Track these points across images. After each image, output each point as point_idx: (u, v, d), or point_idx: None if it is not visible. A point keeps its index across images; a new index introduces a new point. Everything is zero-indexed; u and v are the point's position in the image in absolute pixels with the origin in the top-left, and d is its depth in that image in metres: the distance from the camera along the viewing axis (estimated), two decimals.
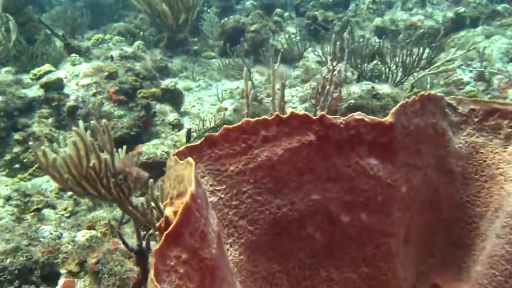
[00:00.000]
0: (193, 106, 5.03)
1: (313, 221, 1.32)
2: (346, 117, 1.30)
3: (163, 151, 3.91)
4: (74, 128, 1.58)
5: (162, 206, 1.72)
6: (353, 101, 3.44)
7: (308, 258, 1.33)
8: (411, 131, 1.30)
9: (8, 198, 2.54)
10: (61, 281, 2.31)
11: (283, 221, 1.29)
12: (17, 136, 3.98)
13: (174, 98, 4.72)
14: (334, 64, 2.55)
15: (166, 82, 4.66)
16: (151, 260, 0.80)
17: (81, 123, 1.55)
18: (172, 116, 4.49)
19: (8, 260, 2.15)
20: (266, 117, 1.27)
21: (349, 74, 4.15)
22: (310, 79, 4.74)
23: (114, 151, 1.49)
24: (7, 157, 3.94)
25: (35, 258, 2.25)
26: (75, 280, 2.31)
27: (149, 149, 3.90)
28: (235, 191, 1.25)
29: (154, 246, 2.61)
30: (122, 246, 2.44)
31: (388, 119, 1.25)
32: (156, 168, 3.81)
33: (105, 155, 1.53)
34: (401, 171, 1.30)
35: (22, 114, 4.06)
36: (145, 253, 2.28)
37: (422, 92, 1.30)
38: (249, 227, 1.26)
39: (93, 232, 2.54)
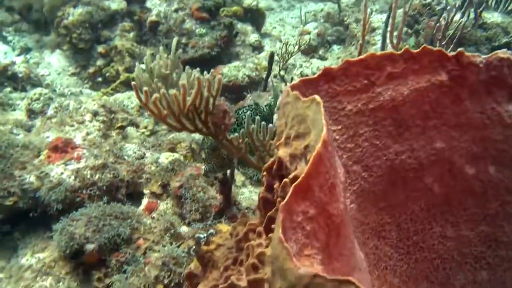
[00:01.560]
0: (274, 27, 4.80)
1: (432, 171, 1.17)
2: (488, 56, 1.10)
3: (244, 74, 3.79)
4: (187, 70, 1.52)
5: (257, 141, 1.62)
6: (452, 32, 3.10)
7: (422, 211, 1.20)
8: None
9: (95, 114, 2.55)
10: (145, 201, 2.33)
11: (400, 169, 1.15)
12: (100, 49, 3.98)
13: (255, 18, 4.51)
14: None
15: (249, 1, 4.43)
16: (279, 215, 0.69)
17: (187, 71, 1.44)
18: (253, 37, 4.31)
19: (97, 176, 2.17)
20: (393, 51, 1.09)
21: None
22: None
23: (219, 92, 1.40)
24: (91, 69, 3.98)
25: (121, 176, 2.26)
26: (158, 201, 2.33)
27: (230, 71, 3.78)
28: (352, 133, 1.10)
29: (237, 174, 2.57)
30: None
31: None
32: (236, 91, 3.72)
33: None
34: None
35: (105, 27, 4.03)
36: (229, 182, 2.23)
37: None
38: (363, 174, 1.12)
39: (176, 155, 2.52)
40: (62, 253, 1.98)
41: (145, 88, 1.35)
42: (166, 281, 1.86)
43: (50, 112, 2.66)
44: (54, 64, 4.12)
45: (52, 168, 2.16)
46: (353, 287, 0.55)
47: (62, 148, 2.25)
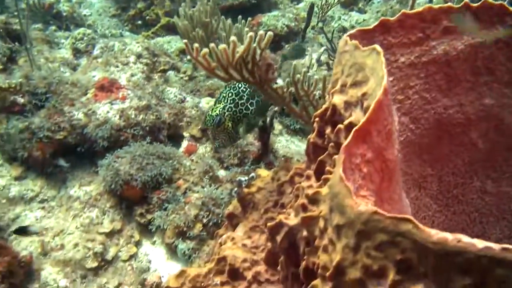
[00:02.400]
0: None
1: (479, 127, 1.18)
2: None
3: (283, 24, 3.77)
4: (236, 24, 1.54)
5: (301, 90, 1.65)
6: None
7: (464, 165, 1.23)
8: None
9: (139, 56, 2.60)
10: (184, 143, 2.41)
11: (447, 123, 1.17)
12: None
13: None
14: None
15: None
16: (339, 156, 0.73)
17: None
18: None
19: (140, 116, 2.25)
20: (451, 4, 1.09)
21: None
22: None
23: (267, 46, 1.43)
24: (131, 12, 4.01)
25: (163, 118, 2.33)
26: (197, 145, 2.40)
27: (269, 20, 3.76)
28: (402, 85, 1.13)
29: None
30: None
31: None
32: (274, 40, 3.71)
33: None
34: None
35: None
36: (268, 130, 2.28)
37: None
38: (410, 125, 1.15)
39: None
40: (108, 188, 2.10)
41: (196, 45, 1.38)
42: (205, 221, 1.96)
43: (96, 52, 2.72)
44: (95, 4, 4.17)
45: (98, 106, 2.24)
46: (410, 225, 0.60)
47: (108, 87, 2.32)
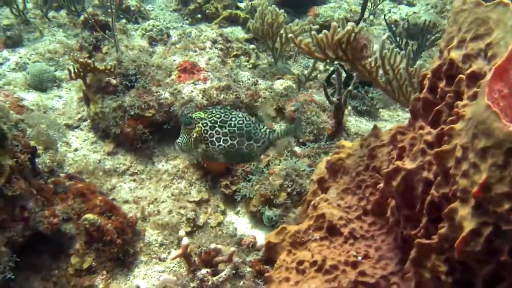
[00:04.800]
0: None
1: None
2: None
3: (340, 15, 3.88)
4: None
5: (388, 65, 1.77)
6: None
7: None
8: None
9: (214, 41, 2.76)
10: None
11: None
12: None
13: None
14: None
15: None
16: (482, 90, 0.85)
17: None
18: None
19: (222, 96, 2.40)
20: None
21: None
22: None
23: (360, 30, 1.63)
24: (191, 6, 4.19)
25: (242, 98, 2.48)
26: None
27: (326, 11, 3.88)
28: None
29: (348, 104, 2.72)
30: (317, 99, 2.59)
31: None
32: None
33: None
34: None
35: None
36: (342, 108, 2.40)
37: None
38: None
39: (289, 82, 2.70)
40: (194, 162, 2.25)
41: (299, 38, 1.60)
42: (289, 190, 2.09)
43: (174, 38, 2.89)
44: (157, 0, 4.39)
45: (183, 86, 2.40)
46: None
47: (190, 69, 2.48)
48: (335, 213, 1.62)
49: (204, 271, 1.44)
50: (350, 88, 2.34)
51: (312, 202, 1.80)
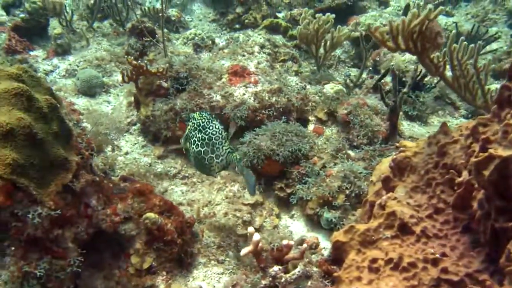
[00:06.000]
0: None
1: None
2: None
3: (381, 24, 3.84)
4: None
5: (455, 60, 1.73)
6: None
7: None
8: None
9: (262, 46, 2.75)
10: (311, 126, 2.50)
11: None
12: None
13: None
14: None
15: None
16: None
17: None
18: None
19: (273, 99, 2.37)
20: None
21: None
22: None
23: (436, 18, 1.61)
24: (230, 16, 4.20)
25: (293, 101, 2.44)
26: (323, 127, 2.49)
27: (367, 20, 3.85)
28: None
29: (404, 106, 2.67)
30: (369, 102, 2.54)
31: None
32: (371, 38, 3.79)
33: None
34: None
35: None
36: (397, 111, 2.35)
37: None
38: None
39: (340, 86, 2.66)
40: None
41: (375, 25, 1.57)
42: (347, 192, 2.03)
43: (222, 43, 2.89)
44: (196, 11, 4.41)
45: (234, 89, 2.39)
46: None
47: (241, 73, 2.46)
48: (405, 211, 1.56)
49: (276, 268, 1.39)
50: (405, 90, 2.29)
51: (378, 202, 1.74)
